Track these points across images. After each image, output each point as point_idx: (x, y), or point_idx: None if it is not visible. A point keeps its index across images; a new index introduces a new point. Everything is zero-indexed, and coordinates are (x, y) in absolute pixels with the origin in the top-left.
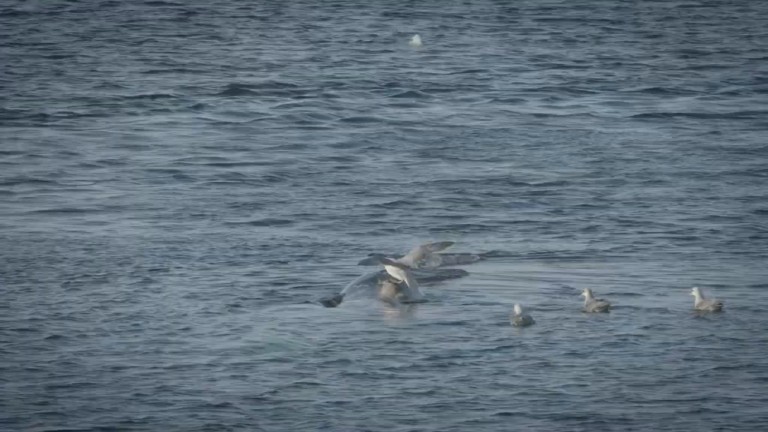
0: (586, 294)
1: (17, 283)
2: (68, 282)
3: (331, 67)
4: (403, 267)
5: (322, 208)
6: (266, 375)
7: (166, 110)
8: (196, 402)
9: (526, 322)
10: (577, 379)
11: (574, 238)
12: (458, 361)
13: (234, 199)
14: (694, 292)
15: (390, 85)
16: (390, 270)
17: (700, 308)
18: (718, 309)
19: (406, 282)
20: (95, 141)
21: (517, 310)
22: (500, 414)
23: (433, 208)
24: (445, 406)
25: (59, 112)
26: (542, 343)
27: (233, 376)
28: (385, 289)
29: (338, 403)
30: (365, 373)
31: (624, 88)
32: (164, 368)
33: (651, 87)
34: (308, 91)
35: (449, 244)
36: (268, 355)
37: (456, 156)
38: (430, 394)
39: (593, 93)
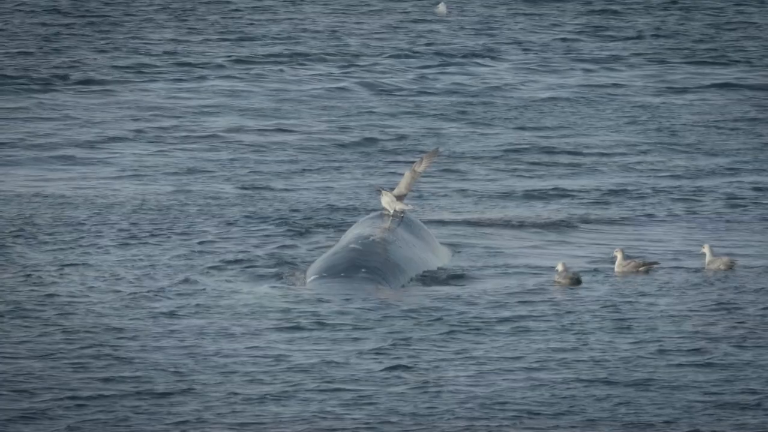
0: (618, 255)
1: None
2: (100, 244)
3: (358, 37)
4: (398, 197)
5: (364, 175)
6: (301, 342)
7: (210, 76)
8: (222, 365)
9: (574, 281)
10: (619, 343)
11: (614, 205)
12: (504, 324)
13: (268, 166)
14: (705, 249)
15: (420, 52)
16: (384, 200)
17: (710, 266)
18: (730, 268)
19: (401, 212)
20: (128, 107)
21: (560, 267)
22: (547, 379)
23: (475, 176)
24: (491, 373)
25: (101, 78)
26: (583, 305)
27: (254, 345)
28: (386, 221)
29: (375, 372)
30: (411, 341)
31: (676, 59)
32: (190, 332)
33: (707, 59)
34: (338, 62)
35: (435, 153)
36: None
37: (500, 123)
38: (475, 359)
39: (644, 64)
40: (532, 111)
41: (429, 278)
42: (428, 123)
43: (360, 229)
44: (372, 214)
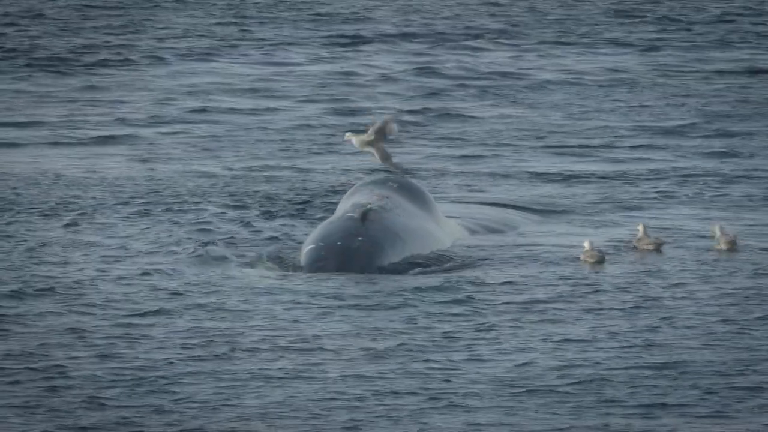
0: (640, 229)
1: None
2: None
3: (371, 19)
4: (369, 137)
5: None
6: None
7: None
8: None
9: (599, 259)
10: (646, 324)
11: (637, 187)
12: (522, 304)
13: (284, 146)
14: (716, 228)
15: (438, 33)
16: (357, 144)
17: (718, 246)
18: (732, 244)
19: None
20: (153, 89)
21: (586, 245)
22: (568, 359)
23: (493, 158)
24: (511, 353)
25: (129, 60)
26: (604, 286)
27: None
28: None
29: (393, 351)
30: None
31: (699, 42)
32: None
33: (732, 42)
34: (355, 44)
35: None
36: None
37: (520, 105)
38: (495, 339)
39: (666, 47)
40: (550, 93)
41: (438, 252)
42: (445, 104)
43: (357, 197)
44: (368, 179)
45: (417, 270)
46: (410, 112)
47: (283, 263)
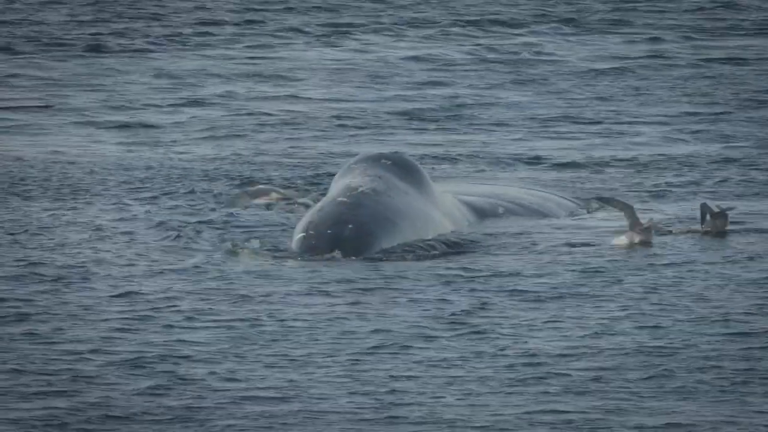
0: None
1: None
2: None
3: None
4: None
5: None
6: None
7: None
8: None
9: (648, 237)
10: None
11: (659, 175)
12: (537, 291)
13: (303, 134)
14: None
15: (468, 22)
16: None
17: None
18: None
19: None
20: (170, 75)
21: (646, 222)
22: (594, 346)
23: (507, 144)
24: (533, 340)
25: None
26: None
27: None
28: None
29: (414, 337)
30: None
31: (727, 29)
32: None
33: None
34: (387, 33)
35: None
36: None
37: (548, 92)
38: (516, 325)
39: (692, 35)
40: (583, 80)
41: (434, 236)
42: (481, 90)
43: (349, 178)
44: (360, 156)
45: (412, 255)
46: (445, 97)
47: (278, 250)
